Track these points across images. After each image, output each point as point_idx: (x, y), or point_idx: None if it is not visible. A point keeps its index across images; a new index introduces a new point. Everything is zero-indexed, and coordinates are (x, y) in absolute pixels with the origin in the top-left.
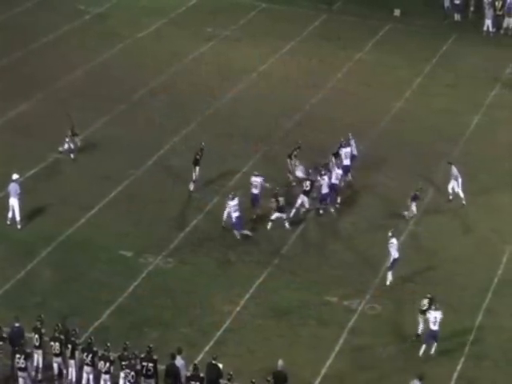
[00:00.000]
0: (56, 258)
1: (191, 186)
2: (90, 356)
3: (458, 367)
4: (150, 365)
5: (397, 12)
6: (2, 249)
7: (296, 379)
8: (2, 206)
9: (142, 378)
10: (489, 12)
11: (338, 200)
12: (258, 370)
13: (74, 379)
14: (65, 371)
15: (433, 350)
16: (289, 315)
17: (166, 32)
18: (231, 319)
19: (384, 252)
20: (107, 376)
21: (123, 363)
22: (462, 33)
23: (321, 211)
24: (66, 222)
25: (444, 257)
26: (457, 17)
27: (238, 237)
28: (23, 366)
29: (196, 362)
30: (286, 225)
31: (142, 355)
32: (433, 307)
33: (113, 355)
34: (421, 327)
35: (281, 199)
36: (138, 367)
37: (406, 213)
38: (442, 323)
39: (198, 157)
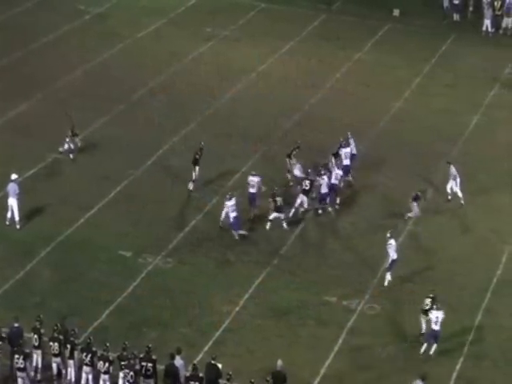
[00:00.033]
0: (55, 258)
1: (190, 186)
2: (89, 356)
3: (457, 367)
4: (149, 365)
5: (396, 12)
6: (1, 249)
7: (295, 379)
8: (1, 207)
9: (141, 378)
10: (488, 12)
11: (338, 201)
12: (257, 369)
13: (73, 379)
14: (64, 371)
15: (432, 351)
16: (288, 315)
17: (165, 32)
18: (230, 319)
19: (383, 252)
20: (106, 376)
21: (122, 363)
22: (461, 33)
23: (319, 211)
24: (65, 222)
25: (443, 257)
26: (456, 17)
27: (236, 237)
28: (22, 366)
29: (195, 362)
30: (284, 225)
31: (141, 355)
32: (434, 307)
33: (112, 355)
34: (423, 326)
35: (278, 199)
36: (137, 367)
37: (409, 214)
38: (442, 323)
39: (197, 156)
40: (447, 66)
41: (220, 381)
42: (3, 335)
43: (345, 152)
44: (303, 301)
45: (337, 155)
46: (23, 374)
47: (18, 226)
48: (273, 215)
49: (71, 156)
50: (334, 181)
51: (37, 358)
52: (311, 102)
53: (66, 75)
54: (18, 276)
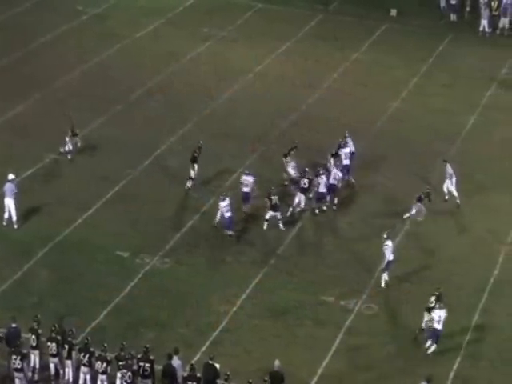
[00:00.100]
0: (53, 259)
1: (189, 184)
2: (87, 356)
3: (455, 367)
4: (147, 365)
5: (393, 12)
6: None
7: (293, 379)
8: None
9: (139, 379)
10: (485, 12)
11: (335, 201)
12: (255, 370)
13: (70, 379)
14: (61, 371)
15: (430, 350)
16: (285, 315)
17: (163, 32)
18: (228, 319)
19: (381, 252)
20: (104, 376)
21: (120, 363)
22: (458, 33)
23: (316, 211)
24: (63, 222)
25: (440, 257)
26: (453, 17)
27: (231, 236)
28: (19, 366)
29: (193, 362)
30: (281, 225)
31: (139, 355)
32: (437, 306)
33: (110, 355)
34: (424, 323)
35: (274, 198)
36: (135, 367)
37: (407, 214)
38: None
39: (195, 154)
40: (444, 66)
41: (218, 381)
42: (0, 336)
43: (344, 152)
44: (300, 301)
45: (336, 155)
46: (20, 375)
47: (15, 226)
48: (269, 214)
49: (69, 156)
50: (332, 181)
51: (34, 358)
52: (308, 101)
53: (64, 75)
54: (15, 276)
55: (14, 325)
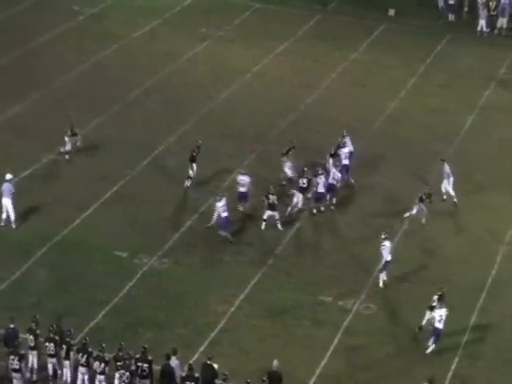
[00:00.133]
0: (51, 259)
1: (188, 183)
2: (85, 356)
3: (453, 367)
4: (145, 365)
5: (391, 12)
6: None
7: (291, 379)
8: None
9: (137, 379)
10: (483, 12)
11: (334, 201)
12: (253, 370)
13: (68, 380)
14: (59, 372)
15: (429, 350)
16: (283, 315)
17: (160, 32)
18: (226, 319)
19: (379, 252)
20: (102, 377)
21: (118, 364)
22: (456, 33)
23: (314, 210)
24: (61, 222)
25: (439, 256)
26: (451, 17)
27: (229, 236)
28: (17, 367)
29: (191, 362)
30: (279, 226)
31: (137, 356)
32: (438, 305)
33: (108, 356)
34: (425, 321)
35: (272, 197)
36: (133, 368)
37: (407, 213)
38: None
39: (194, 154)
40: (442, 65)
41: (216, 381)
42: None
43: (344, 152)
44: (299, 301)
45: (335, 155)
46: (18, 375)
47: (13, 226)
48: (266, 214)
49: (66, 157)
50: (331, 181)
51: (32, 358)
52: (307, 101)
53: (62, 75)
54: (13, 276)
55: (12, 325)
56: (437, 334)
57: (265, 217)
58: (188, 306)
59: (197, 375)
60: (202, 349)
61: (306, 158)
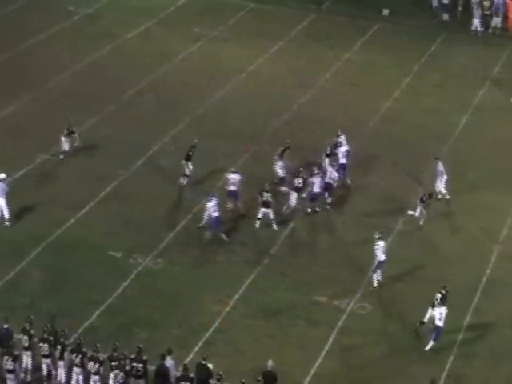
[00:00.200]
0: (45, 259)
1: (184, 181)
2: (80, 357)
3: (448, 366)
4: (140, 365)
5: (385, 12)
6: None
7: (286, 379)
8: None
9: (132, 379)
10: (477, 12)
11: (329, 200)
12: (248, 370)
13: (63, 380)
14: (54, 372)
15: (428, 347)
16: (278, 315)
17: (155, 32)
18: (221, 319)
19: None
20: (97, 377)
21: (113, 364)
22: (450, 33)
23: (309, 210)
24: (56, 222)
25: (433, 256)
26: (445, 16)
27: (209, 237)
28: (11, 368)
29: (186, 362)
30: (274, 225)
31: (132, 356)
32: (438, 303)
33: (102, 356)
34: (427, 318)
35: (266, 195)
36: (128, 368)
37: (410, 212)
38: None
39: (190, 153)
40: (437, 65)
41: (210, 381)
42: None
43: (341, 151)
44: (293, 301)
45: (330, 155)
46: (12, 376)
47: (8, 223)
48: (261, 212)
49: (61, 157)
50: (328, 180)
51: (27, 359)
52: (301, 101)
53: (56, 75)
54: (7, 277)
55: (6, 325)
56: (437, 331)
57: (259, 215)
58: (183, 306)
59: (191, 375)
60: (196, 349)
61: (300, 157)
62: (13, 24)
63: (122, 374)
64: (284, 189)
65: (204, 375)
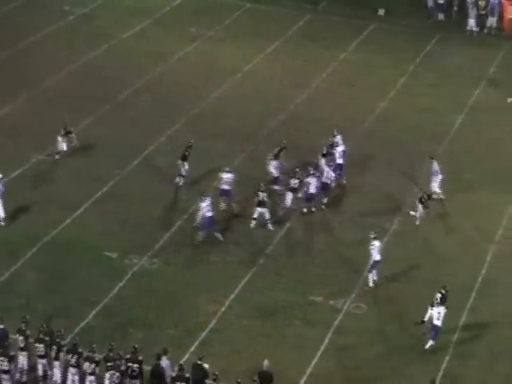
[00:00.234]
0: (41, 259)
1: (180, 181)
2: (75, 357)
3: (443, 366)
4: (136, 365)
5: (381, 12)
6: None
7: (282, 379)
8: None
9: (128, 379)
10: (472, 11)
11: (325, 200)
12: (244, 370)
13: (58, 381)
14: (50, 373)
15: (428, 346)
16: (274, 315)
17: (150, 32)
18: (216, 319)
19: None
20: (92, 377)
21: (108, 364)
22: (445, 32)
23: (305, 210)
24: (51, 222)
25: (429, 256)
26: (440, 16)
27: (200, 238)
28: (6, 368)
29: (181, 362)
30: (269, 225)
31: (128, 356)
32: (437, 302)
33: (98, 356)
34: (427, 317)
35: (262, 194)
36: (124, 368)
37: (412, 212)
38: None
39: (186, 153)
40: (432, 65)
41: (206, 381)
42: None
43: (338, 151)
44: (289, 301)
45: (327, 155)
46: (7, 377)
47: (3, 224)
48: (256, 212)
49: (57, 157)
50: (324, 180)
51: (22, 359)
52: (297, 101)
53: (52, 75)
54: (2, 277)
55: (1, 326)
56: (435, 331)
57: (255, 215)
58: (178, 306)
59: (187, 375)
60: (192, 349)
61: (296, 157)
62: (8, 24)
63: (117, 374)
64: (278, 187)
65: (200, 375)
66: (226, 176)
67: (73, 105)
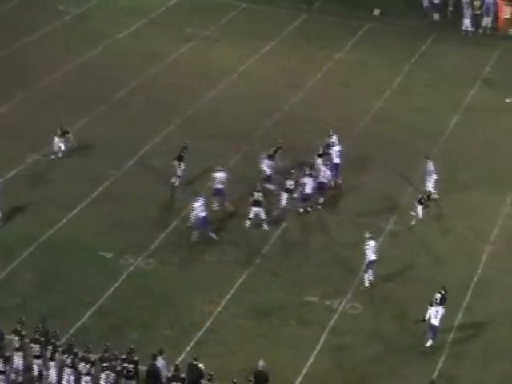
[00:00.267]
0: (37, 259)
1: (176, 182)
2: (71, 357)
3: (439, 366)
4: (131, 366)
5: (376, 12)
6: None
7: (277, 379)
8: None
9: (123, 380)
10: (467, 11)
11: (321, 200)
12: (239, 370)
13: (54, 381)
14: (45, 373)
15: (427, 344)
16: (270, 315)
17: (146, 32)
18: (212, 320)
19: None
20: (88, 378)
21: (104, 364)
22: (441, 32)
23: (301, 210)
24: (47, 222)
25: (424, 256)
26: (436, 16)
27: (195, 239)
28: (2, 369)
29: (177, 362)
30: (265, 226)
31: (123, 356)
32: (435, 302)
33: (93, 356)
34: (427, 316)
35: (257, 194)
36: (119, 368)
37: (413, 212)
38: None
39: (182, 154)
40: (427, 65)
41: (202, 381)
42: None
43: (335, 151)
44: (285, 301)
45: (323, 155)
46: (2, 377)
47: None
48: (252, 211)
49: (52, 157)
50: (321, 179)
51: (18, 360)
52: (292, 101)
53: (48, 75)
54: None
55: None
56: (433, 330)
57: (251, 215)
58: (174, 307)
59: (183, 375)
60: (188, 349)
61: (291, 157)
62: (4, 24)
63: (113, 374)
64: (272, 187)
65: (195, 375)
66: (219, 175)
67: (69, 105)
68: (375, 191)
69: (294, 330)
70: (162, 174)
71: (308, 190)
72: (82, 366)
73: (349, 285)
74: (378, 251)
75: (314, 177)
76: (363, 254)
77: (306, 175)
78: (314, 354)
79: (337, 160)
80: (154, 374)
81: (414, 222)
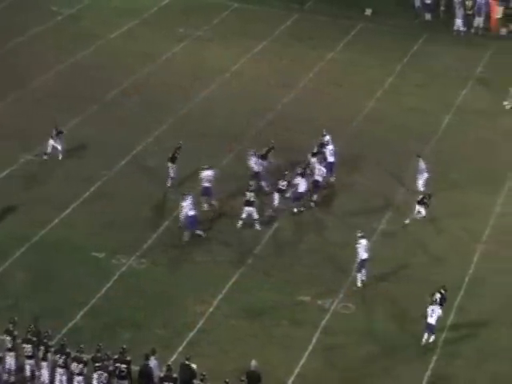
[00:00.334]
0: (29, 259)
1: (168, 182)
2: (63, 358)
3: (431, 366)
4: (124, 366)
5: (368, 11)
6: None
7: (269, 379)
8: None
9: (116, 380)
10: (459, 11)
11: (315, 198)
12: (232, 370)
13: (46, 381)
14: (37, 373)
15: (430, 340)
16: (262, 315)
17: (138, 32)
18: (204, 320)
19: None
20: (80, 378)
21: (96, 364)
22: (432, 32)
23: (295, 209)
24: (39, 222)
25: (417, 256)
26: (427, 16)
27: (187, 238)
28: None
29: (169, 362)
30: (257, 226)
31: (116, 356)
32: (433, 301)
33: (86, 356)
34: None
35: (249, 194)
36: (111, 368)
37: (417, 216)
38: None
39: (176, 155)
40: (419, 65)
41: (194, 381)
42: None
43: (329, 150)
44: (277, 301)
45: (317, 154)
46: None
47: None
48: (244, 211)
49: (45, 157)
50: (316, 177)
51: (10, 360)
52: (284, 101)
53: (40, 75)
54: None
55: None
56: (429, 328)
57: (243, 215)
58: (166, 307)
59: (175, 375)
60: (180, 349)
61: (284, 157)
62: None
63: (105, 374)
64: (265, 185)
65: (187, 375)
66: (206, 173)
67: (61, 105)
68: (368, 191)
69: (286, 330)
70: (155, 174)
71: (301, 189)
72: (74, 366)
73: (341, 284)
74: (371, 251)
75: (307, 175)
76: (355, 254)
77: (298, 175)
78: (307, 353)
79: (331, 158)
80: (146, 374)
81: (408, 221)
